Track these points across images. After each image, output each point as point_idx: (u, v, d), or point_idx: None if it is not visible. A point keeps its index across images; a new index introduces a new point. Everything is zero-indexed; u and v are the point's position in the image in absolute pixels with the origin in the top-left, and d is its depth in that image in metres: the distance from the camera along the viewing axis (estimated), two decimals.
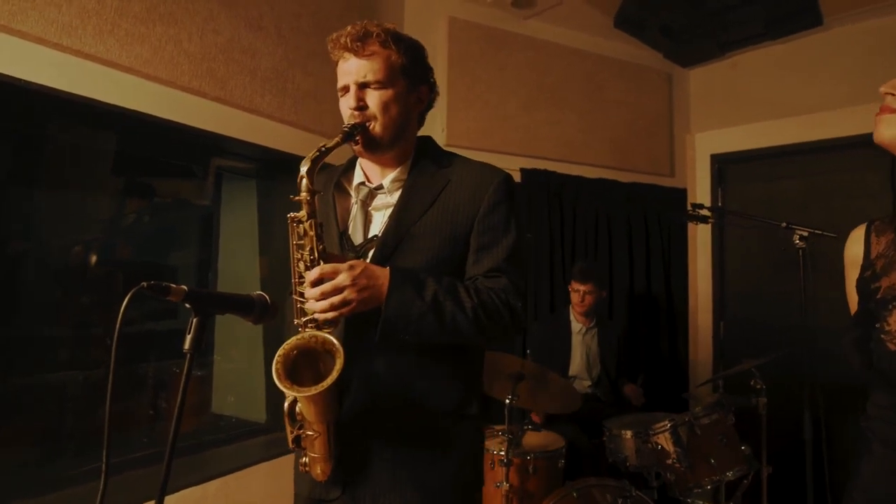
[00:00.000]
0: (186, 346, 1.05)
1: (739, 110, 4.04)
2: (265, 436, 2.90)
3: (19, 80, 1.84)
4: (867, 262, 1.47)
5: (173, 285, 1.02)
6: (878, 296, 1.43)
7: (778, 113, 3.83)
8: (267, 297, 1.23)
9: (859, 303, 1.50)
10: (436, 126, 3.52)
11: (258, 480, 2.57)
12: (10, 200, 2.20)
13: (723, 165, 4.20)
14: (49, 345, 2.37)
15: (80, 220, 2.56)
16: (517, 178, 3.72)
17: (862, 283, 1.46)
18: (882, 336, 1.42)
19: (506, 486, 2.54)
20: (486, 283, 1.37)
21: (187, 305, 1.06)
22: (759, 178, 4.06)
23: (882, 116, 1.31)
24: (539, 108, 3.83)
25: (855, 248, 1.52)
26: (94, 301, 2.54)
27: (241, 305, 1.20)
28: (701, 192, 4.22)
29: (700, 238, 4.25)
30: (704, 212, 2.68)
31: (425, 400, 1.36)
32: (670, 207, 4.14)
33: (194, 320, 1.06)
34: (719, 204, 4.15)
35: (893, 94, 1.29)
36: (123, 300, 0.99)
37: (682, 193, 4.25)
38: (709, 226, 3.98)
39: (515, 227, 1.42)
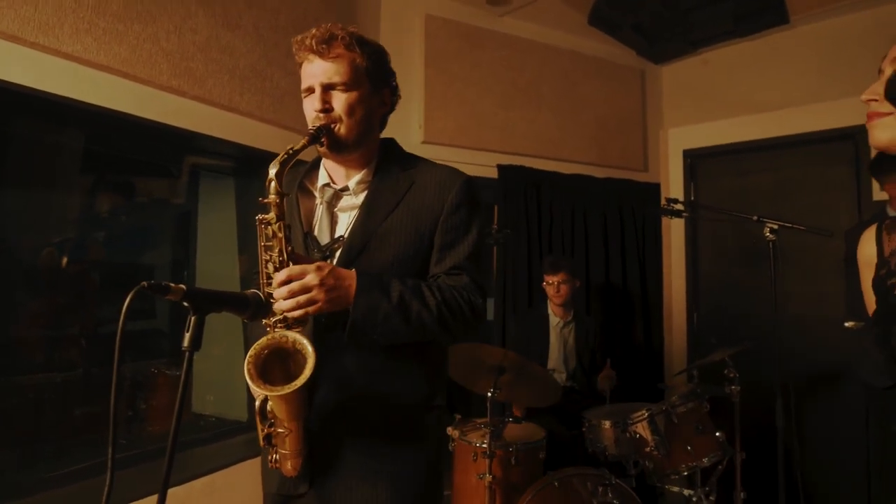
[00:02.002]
0: (186, 343, 1.07)
1: (711, 106, 4.14)
2: (247, 434, 2.89)
3: None
4: (882, 261, 1.47)
5: (172, 284, 1.04)
6: None
7: (748, 109, 3.93)
8: (261, 294, 1.25)
9: (877, 302, 1.49)
10: (413, 123, 3.54)
11: (244, 478, 2.57)
12: None
13: (695, 160, 4.29)
14: (23, 347, 2.32)
15: (58, 220, 2.51)
16: (494, 174, 3.77)
17: (878, 282, 1.46)
18: None
19: (489, 477, 2.58)
20: (448, 280, 1.43)
21: (185, 304, 1.07)
22: (729, 172, 4.16)
23: (872, 123, 1.35)
24: (515, 104, 3.88)
25: (868, 248, 1.51)
26: (68, 302, 2.50)
27: (237, 303, 1.22)
28: (674, 186, 4.31)
29: (674, 232, 4.34)
30: (679, 206, 2.75)
31: (394, 394, 1.42)
32: (644, 202, 4.23)
33: (192, 318, 1.08)
34: (692, 198, 4.24)
35: (876, 100, 1.34)
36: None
37: (655, 188, 4.34)
38: (682, 220, 4.06)
39: (476, 227, 1.49)
